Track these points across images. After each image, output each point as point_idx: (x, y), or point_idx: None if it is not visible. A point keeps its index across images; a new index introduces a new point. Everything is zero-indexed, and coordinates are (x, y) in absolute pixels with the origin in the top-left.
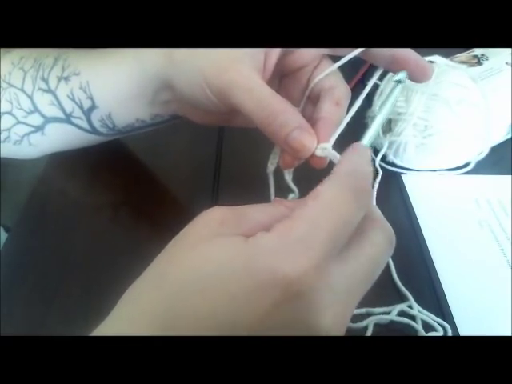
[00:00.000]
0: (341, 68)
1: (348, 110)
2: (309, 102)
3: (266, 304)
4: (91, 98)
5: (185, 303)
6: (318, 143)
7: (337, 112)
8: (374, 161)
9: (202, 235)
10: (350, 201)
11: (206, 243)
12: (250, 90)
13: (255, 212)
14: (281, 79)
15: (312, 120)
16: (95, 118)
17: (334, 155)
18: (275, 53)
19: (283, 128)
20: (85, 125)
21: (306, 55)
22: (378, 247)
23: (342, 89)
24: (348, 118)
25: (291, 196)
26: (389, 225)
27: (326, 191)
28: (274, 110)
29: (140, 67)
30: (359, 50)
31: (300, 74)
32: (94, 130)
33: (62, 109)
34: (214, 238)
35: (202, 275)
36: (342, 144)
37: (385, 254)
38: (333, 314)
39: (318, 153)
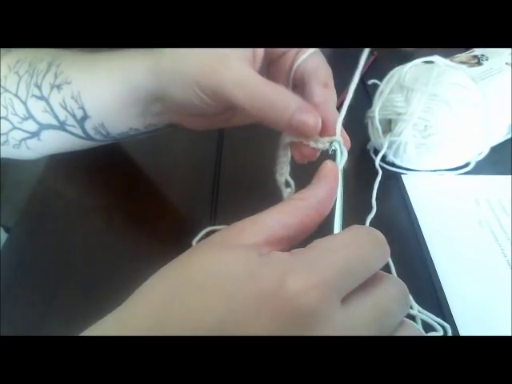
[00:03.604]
0: (341, 67)
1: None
2: (294, 86)
3: (264, 313)
4: (83, 108)
5: (182, 302)
6: (324, 132)
7: (328, 94)
8: (374, 161)
9: (214, 242)
10: (369, 246)
11: (217, 250)
12: (241, 84)
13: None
14: (268, 67)
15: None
16: (89, 126)
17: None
18: None
19: (283, 113)
20: (79, 132)
21: None
22: (387, 296)
23: (325, 69)
24: (347, 104)
25: (288, 190)
26: (401, 281)
27: (348, 232)
28: (269, 100)
29: (127, 79)
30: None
31: (284, 60)
32: (88, 137)
33: (56, 116)
34: (225, 247)
35: (205, 276)
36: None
37: (396, 304)
38: None
39: (327, 146)
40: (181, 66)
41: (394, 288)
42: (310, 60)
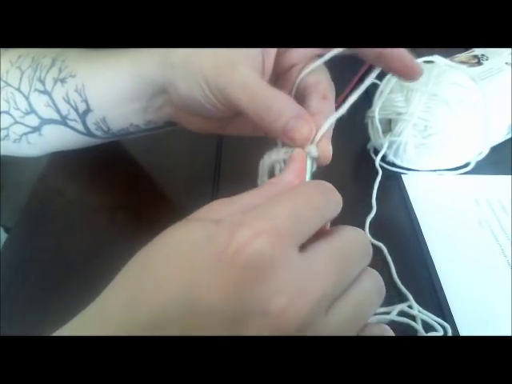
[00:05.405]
0: (341, 68)
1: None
2: (296, 100)
3: (221, 269)
4: (86, 101)
5: (151, 274)
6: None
7: (325, 106)
8: (374, 161)
9: (185, 219)
10: (317, 194)
11: (182, 224)
12: (246, 85)
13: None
14: (274, 82)
15: None
16: (90, 121)
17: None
18: (272, 54)
19: (279, 118)
20: (80, 127)
21: (297, 55)
22: (347, 242)
23: (327, 83)
24: (336, 116)
25: (283, 150)
26: (360, 229)
27: (296, 186)
28: (268, 102)
29: (135, 70)
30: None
31: (290, 74)
32: (89, 133)
33: (58, 111)
34: (190, 221)
35: (168, 246)
36: (343, 143)
37: (357, 249)
38: (292, 291)
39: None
40: (192, 61)
41: (353, 234)
42: (313, 74)
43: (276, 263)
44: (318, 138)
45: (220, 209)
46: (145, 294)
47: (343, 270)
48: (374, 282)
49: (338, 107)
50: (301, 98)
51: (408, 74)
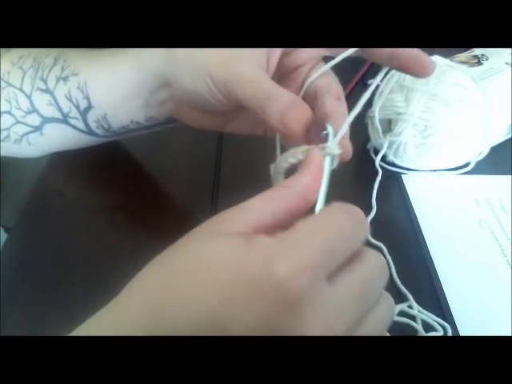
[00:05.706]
0: (341, 68)
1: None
2: (305, 102)
3: (256, 299)
4: (87, 98)
5: (174, 292)
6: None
7: (340, 106)
8: (374, 161)
9: (203, 232)
10: (348, 224)
11: (206, 239)
12: (253, 80)
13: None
14: (279, 81)
15: (318, 117)
16: (91, 118)
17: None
18: (277, 53)
19: (279, 108)
20: (81, 125)
21: (302, 55)
22: (370, 269)
23: (338, 85)
24: (351, 118)
25: (299, 150)
26: (378, 252)
27: (327, 212)
28: (272, 95)
29: (139, 65)
30: (354, 48)
31: (296, 74)
32: (89, 131)
33: (60, 109)
34: (213, 235)
35: (195, 265)
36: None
37: (377, 275)
38: (322, 327)
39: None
40: (197, 55)
41: (375, 260)
42: (324, 77)
43: (310, 298)
44: (339, 136)
45: (233, 218)
46: (167, 314)
47: (367, 299)
48: (388, 308)
49: None
50: (310, 99)
51: (422, 72)
